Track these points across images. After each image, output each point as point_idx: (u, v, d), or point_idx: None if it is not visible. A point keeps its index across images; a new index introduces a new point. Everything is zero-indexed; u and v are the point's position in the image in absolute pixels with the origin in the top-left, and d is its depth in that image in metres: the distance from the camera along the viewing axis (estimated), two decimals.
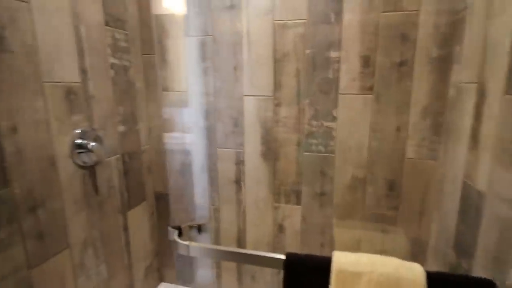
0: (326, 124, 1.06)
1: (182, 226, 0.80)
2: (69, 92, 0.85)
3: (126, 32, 1.08)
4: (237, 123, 1.14)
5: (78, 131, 0.88)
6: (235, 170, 1.18)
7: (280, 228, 1.19)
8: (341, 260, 0.63)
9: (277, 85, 1.08)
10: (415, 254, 1.07)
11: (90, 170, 0.94)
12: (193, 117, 1.18)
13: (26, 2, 0.73)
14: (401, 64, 0.97)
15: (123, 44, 1.07)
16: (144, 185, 1.23)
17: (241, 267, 1.27)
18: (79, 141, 0.88)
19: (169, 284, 1.36)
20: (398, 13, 0.94)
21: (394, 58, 0.97)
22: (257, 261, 0.69)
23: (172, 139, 1.23)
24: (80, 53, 0.89)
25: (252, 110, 1.12)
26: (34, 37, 0.75)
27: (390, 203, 1.06)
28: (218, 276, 1.31)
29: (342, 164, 1.08)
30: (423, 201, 1.03)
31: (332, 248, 1.15)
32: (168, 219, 1.31)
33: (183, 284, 1.35)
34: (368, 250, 1.11)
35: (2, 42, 0.68)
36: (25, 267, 0.74)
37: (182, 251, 0.73)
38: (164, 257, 1.36)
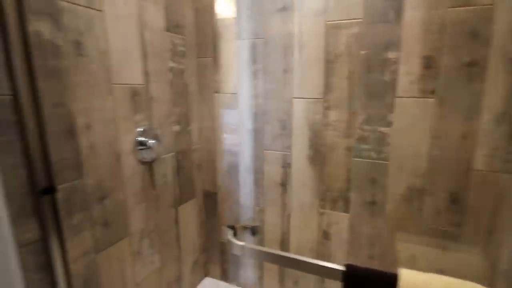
0: (380, 129, 0.99)
1: (237, 226, 0.80)
2: (133, 93, 0.92)
3: (184, 37, 1.13)
4: (285, 126, 1.12)
5: (140, 129, 0.94)
6: (281, 173, 1.16)
7: (325, 235, 1.14)
8: (409, 279, 0.57)
9: (327, 88, 1.04)
10: (480, 277, 0.94)
11: (148, 166, 1.00)
12: (242, 119, 1.19)
13: (101, 10, 0.80)
14: (471, 64, 0.86)
15: (180, 48, 1.12)
16: (193, 183, 1.27)
17: (283, 271, 1.25)
18: (140, 138, 0.94)
19: (213, 279, 1.39)
20: (468, 8, 0.83)
21: (463, 58, 0.86)
22: (313, 269, 0.65)
23: (221, 140, 1.25)
24: (144, 57, 0.95)
25: (300, 112, 1.09)
26: (107, 43, 0.82)
27: (452, 218, 0.95)
28: (261, 277, 1.30)
29: (396, 172, 0.99)
30: (493, 219, 0.90)
31: (383, 261, 1.06)
32: (215, 217, 1.34)
33: (226, 281, 1.37)
34: (423, 267, 1.01)
35: (79, 47, 0.75)
36: (93, 251, 0.81)
37: (236, 251, 0.73)
38: (209, 253, 1.40)
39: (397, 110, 0.96)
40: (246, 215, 1.25)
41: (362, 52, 0.97)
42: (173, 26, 1.07)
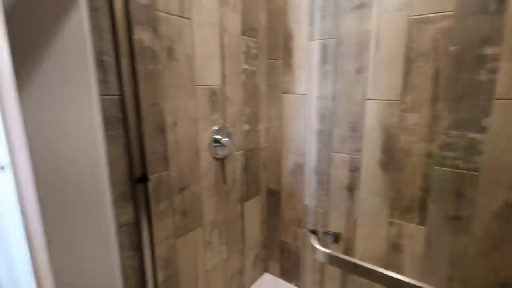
0: (470, 135, 0.86)
1: (318, 231, 0.78)
2: (212, 94, 0.96)
3: (257, 40, 1.15)
4: (355, 128, 1.05)
5: (216, 127, 0.99)
6: (348, 177, 1.09)
7: (395, 247, 1.04)
8: None
9: (406, 88, 0.94)
10: None
11: (221, 162, 1.04)
12: (309, 120, 1.15)
13: (189, 19, 0.85)
14: None
15: (253, 51, 1.14)
16: (259, 181, 1.29)
17: (346, 277, 1.18)
18: (215, 136, 0.98)
19: (272, 276, 1.39)
20: None
21: None
22: None
23: (287, 140, 1.24)
24: (222, 60, 0.99)
25: (373, 115, 1.01)
26: (193, 48, 0.87)
27: None
28: (321, 281, 1.25)
29: (489, 186, 0.85)
30: None
31: (466, 285, 0.92)
32: (278, 215, 1.33)
33: (285, 279, 1.36)
34: None
35: (171, 52, 0.81)
36: (173, 236, 0.88)
37: (320, 258, 0.70)
38: (270, 250, 1.40)
39: (495, 114, 0.81)
40: (310, 216, 1.22)
41: (452, 48, 0.85)
42: (248, 30, 1.09)
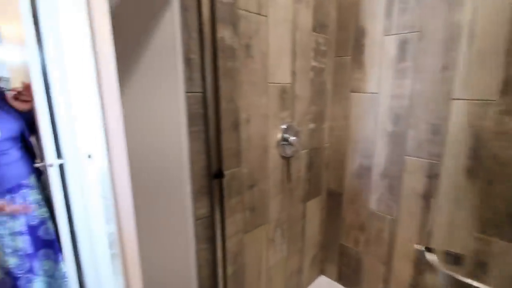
0: None
1: (435, 248, 0.67)
2: (282, 92, 0.91)
3: (327, 36, 1.07)
4: (437, 131, 0.91)
5: (284, 126, 0.94)
6: (424, 183, 0.96)
7: (481, 266, 0.88)
8: None
9: (506, 87, 0.78)
10: None
11: (287, 160, 0.99)
12: (380, 120, 1.04)
13: (266, 16, 0.81)
14: None
15: (323, 47, 1.06)
16: (321, 181, 1.21)
17: None
18: (284, 134, 0.93)
19: (328, 279, 1.30)
20: None
21: None
22: None
23: (353, 140, 1.14)
24: (293, 57, 0.93)
25: (461, 116, 0.86)
26: (267, 45, 0.83)
27: None
28: None
29: None
30: None
31: None
32: (339, 216, 1.24)
33: (343, 284, 1.26)
34: None
35: (248, 49, 0.78)
36: (242, 231, 0.86)
37: (442, 280, 0.61)
38: (327, 252, 1.32)
39: None
40: (374, 222, 1.11)
41: None
42: (318, 26, 1.02)
